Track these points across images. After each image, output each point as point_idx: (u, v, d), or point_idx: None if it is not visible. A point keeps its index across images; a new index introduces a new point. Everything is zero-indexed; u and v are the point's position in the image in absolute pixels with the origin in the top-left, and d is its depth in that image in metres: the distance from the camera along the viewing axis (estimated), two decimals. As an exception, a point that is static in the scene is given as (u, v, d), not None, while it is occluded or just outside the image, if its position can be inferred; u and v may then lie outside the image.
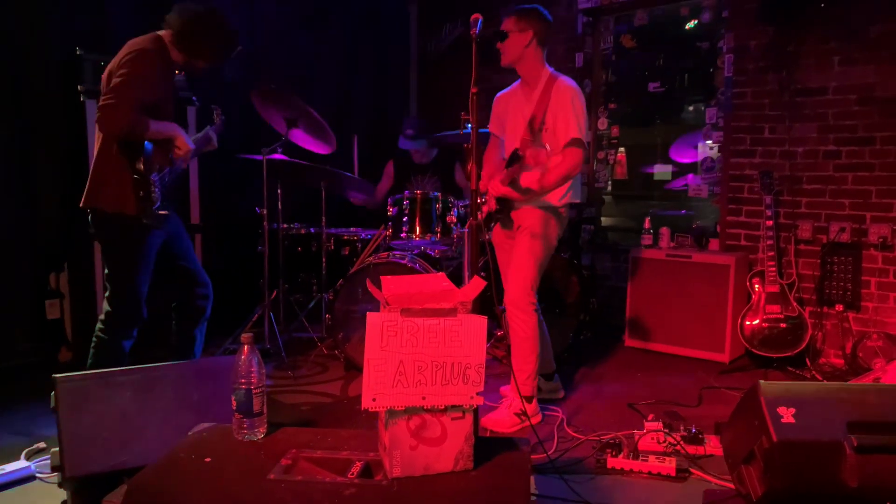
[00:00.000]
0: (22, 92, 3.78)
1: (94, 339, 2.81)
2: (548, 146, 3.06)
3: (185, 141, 2.85)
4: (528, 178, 3.07)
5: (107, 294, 2.81)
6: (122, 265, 2.79)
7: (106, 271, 2.82)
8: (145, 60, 2.67)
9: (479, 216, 3.12)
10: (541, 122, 3.07)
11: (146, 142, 2.72)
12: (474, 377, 1.73)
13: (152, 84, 2.69)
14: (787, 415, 2.09)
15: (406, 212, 3.91)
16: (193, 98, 4.17)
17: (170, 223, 2.88)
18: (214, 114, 3.35)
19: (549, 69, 3.15)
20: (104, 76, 2.73)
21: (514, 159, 3.04)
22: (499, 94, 3.34)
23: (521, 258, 3.11)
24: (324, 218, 4.27)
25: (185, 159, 2.92)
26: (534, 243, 3.09)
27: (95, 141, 2.78)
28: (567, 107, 3.04)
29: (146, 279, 2.82)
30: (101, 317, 2.81)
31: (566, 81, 3.11)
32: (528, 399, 3.09)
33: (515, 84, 3.28)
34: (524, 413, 2.98)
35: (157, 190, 2.77)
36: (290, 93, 3.84)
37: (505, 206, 3.13)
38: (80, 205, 2.77)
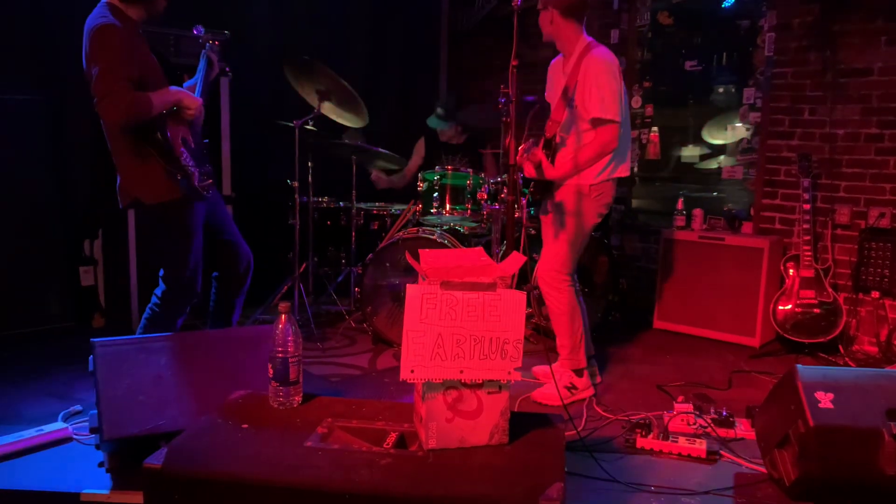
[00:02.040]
0: (55, 59, 3.81)
1: (147, 310, 2.81)
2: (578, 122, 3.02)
3: (190, 99, 2.71)
4: (562, 156, 3.04)
5: (161, 274, 2.79)
6: (173, 248, 2.76)
7: (157, 253, 2.80)
8: (112, 37, 2.49)
9: (525, 198, 3.15)
10: (571, 95, 3.01)
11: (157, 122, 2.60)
12: (512, 352, 1.73)
13: (129, 56, 2.54)
14: (825, 400, 2.06)
15: (436, 187, 3.89)
16: (227, 69, 4.17)
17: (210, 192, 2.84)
18: (201, 38, 3.00)
19: (588, 39, 3.04)
20: (84, 66, 2.58)
21: (547, 143, 3.02)
22: (553, 60, 3.26)
23: (552, 236, 3.11)
24: (354, 192, 4.27)
25: (200, 112, 2.76)
26: (566, 221, 3.06)
27: (106, 134, 2.67)
28: (590, 82, 2.91)
29: (199, 255, 2.79)
30: (157, 292, 2.80)
31: (597, 54, 2.95)
32: (578, 373, 3.13)
33: (559, 57, 3.22)
34: (573, 386, 3.08)
35: (190, 163, 2.69)
36: (322, 64, 3.82)
37: (542, 187, 3.09)
38: (120, 206, 2.73)
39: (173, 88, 2.70)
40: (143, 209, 2.72)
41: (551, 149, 3.01)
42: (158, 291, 2.80)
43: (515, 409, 2.80)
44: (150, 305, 2.81)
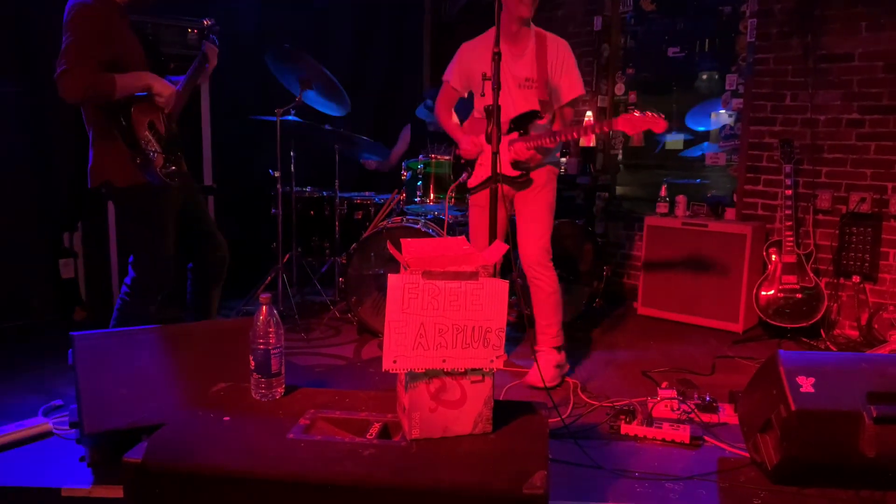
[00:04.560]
0: (33, 50, 3.74)
1: (118, 300, 2.76)
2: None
3: (162, 85, 2.63)
4: (541, 139, 3.01)
5: (131, 260, 2.73)
6: (144, 234, 2.71)
7: (128, 239, 2.76)
8: (86, 15, 2.45)
9: (469, 182, 3.16)
10: (540, 80, 3.03)
11: (123, 101, 2.54)
12: (495, 341, 1.72)
13: (101, 35, 2.48)
14: (807, 384, 2.08)
15: (420, 176, 3.87)
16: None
17: (183, 180, 2.77)
18: (204, 28, 2.98)
19: (532, 25, 3.08)
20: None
21: (527, 120, 3.01)
22: (468, 43, 3.20)
23: (541, 217, 3.13)
24: (337, 181, 4.24)
25: (171, 103, 2.69)
26: (551, 201, 3.14)
27: (83, 116, 2.64)
28: (570, 63, 3.08)
29: (171, 242, 2.74)
30: (127, 280, 2.74)
31: (556, 37, 3.10)
32: (561, 349, 3.21)
33: (488, 36, 3.10)
34: (562, 364, 3.22)
35: (154, 149, 2.63)
36: (304, 53, 3.78)
37: (525, 170, 3.08)
38: (89, 186, 2.66)
39: (147, 74, 2.64)
40: (113, 192, 2.67)
41: (529, 124, 3.04)
42: (128, 280, 2.74)
43: (500, 398, 2.81)
44: (120, 295, 2.75)
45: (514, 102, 3.05)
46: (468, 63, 3.15)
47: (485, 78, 2.48)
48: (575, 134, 2.94)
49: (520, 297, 3.58)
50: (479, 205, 3.18)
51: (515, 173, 3.04)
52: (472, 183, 3.16)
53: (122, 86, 2.51)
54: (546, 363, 3.13)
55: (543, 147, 2.99)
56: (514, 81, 3.05)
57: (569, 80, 3.07)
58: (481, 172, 3.12)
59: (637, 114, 2.69)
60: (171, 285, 2.79)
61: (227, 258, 3.00)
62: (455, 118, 3.29)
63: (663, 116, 2.69)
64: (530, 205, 3.14)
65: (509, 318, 4.07)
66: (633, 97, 5.06)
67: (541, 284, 3.15)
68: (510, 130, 3.04)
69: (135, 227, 2.75)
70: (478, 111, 3.19)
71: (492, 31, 2.97)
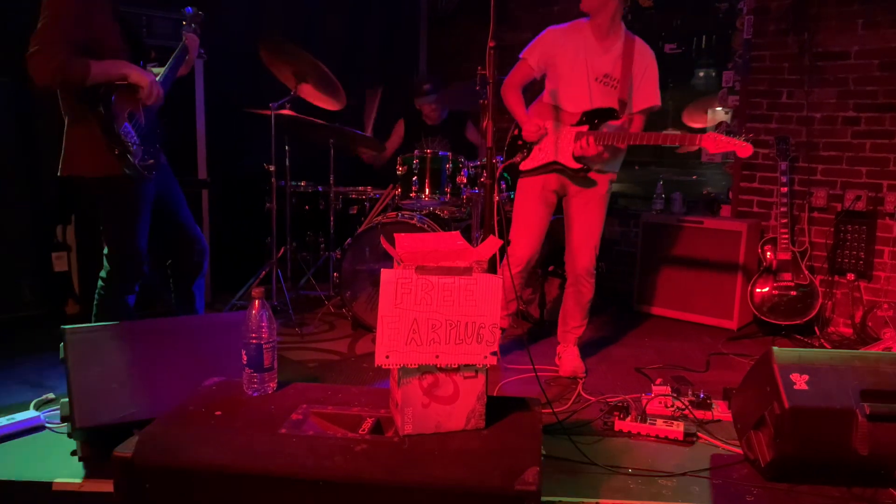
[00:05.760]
0: (19, 42, 3.70)
1: (96, 295, 2.74)
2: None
3: (140, 75, 2.55)
4: (615, 137, 2.97)
5: (105, 252, 2.70)
6: (116, 226, 2.66)
7: (101, 230, 2.69)
8: None
9: (523, 164, 3.12)
10: (624, 80, 3.00)
11: (105, 91, 2.48)
12: (488, 337, 1.72)
13: (79, 18, 2.41)
14: (801, 381, 2.08)
15: (416, 171, 3.86)
16: (202, 51, 4.09)
17: (160, 173, 2.72)
18: (186, 17, 2.92)
19: (623, 24, 3.07)
20: None
21: (603, 117, 3.00)
22: (556, 28, 3.13)
23: (595, 226, 3.16)
24: (332, 176, 4.22)
25: (152, 94, 2.60)
26: (605, 210, 3.17)
27: (60, 105, 2.57)
28: (654, 71, 3.05)
29: (144, 235, 2.69)
30: (102, 274, 2.71)
31: (645, 43, 3.08)
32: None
33: (577, 25, 3.09)
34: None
35: (133, 140, 2.57)
36: (299, 45, 3.76)
37: (586, 166, 3.05)
38: (58, 174, 2.60)
39: (124, 62, 2.56)
40: (83, 182, 2.60)
41: (597, 127, 3.02)
42: (103, 273, 2.70)
43: (494, 394, 2.81)
44: (97, 289, 2.73)
45: (591, 95, 3.03)
46: (552, 46, 3.09)
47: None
48: (654, 139, 2.99)
49: (519, 294, 3.56)
50: (525, 191, 3.18)
51: (576, 166, 3.03)
52: (525, 165, 3.13)
53: (96, 72, 2.43)
54: (573, 356, 3.26)
55: (614, 147, 2.98)
56: (592, 74, 3.03)
57: (648, 88, 3.06)
58: (539, 156, 3.09)
59: (723, 137, 2.80)
60: (144, 276, 2.74)
61: (205, 251, 2.96)
62: (521, 97, 3.17)
63: (751, 143, 2.78)
64: (591, 214, 3.14)
65: (513, 329, 3.99)
66: (629, 93, 5.04)
67: (584, 291, 3.22)
68: (580, 122, 3.02)
69: (107, 219, 2.68)
70: (547, 95, 3.15)
71: (581, 21, 3.08)
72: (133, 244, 2.66)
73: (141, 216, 2.68)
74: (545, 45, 3.10)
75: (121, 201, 2.63)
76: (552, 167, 3.07)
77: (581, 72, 3.03)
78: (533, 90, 3.23)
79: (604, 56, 3.03)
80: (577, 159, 3.02)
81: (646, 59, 3.05)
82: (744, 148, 2.75)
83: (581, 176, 3.06)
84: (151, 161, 2.65)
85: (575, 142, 3.00)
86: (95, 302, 2.74)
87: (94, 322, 2.68)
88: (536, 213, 3.18)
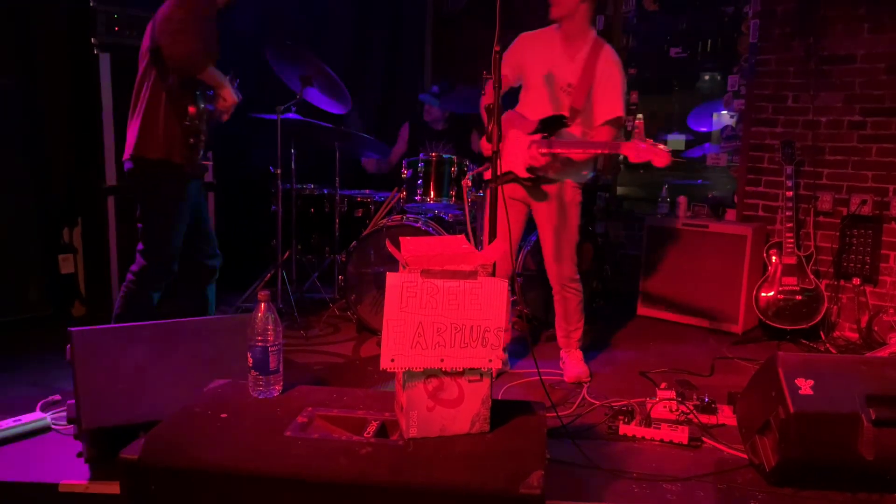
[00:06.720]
0: (28, 43, 3.72)
1: (123, 288, 2.80)
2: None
3: (231, 92, 2.77)
4: (563, 146, 2.90)
5: (140, 248, 2.78)
6: (161, 216, 2.75)
7: (141, 225, 2.77)
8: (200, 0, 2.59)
9: (487, 173, 3.08)
10: (581, 88, 2.94)
11: (200, 90, 2.68)
12: (493, 340, 1.72)
13: (211, 25, 2.62)
14: (805, 386, 2.07)
15: (420, 174, 3.86)
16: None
17: (200, 181, 2.86)
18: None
19: (594, 31, 3.03)
20: (149, 27, 2.67)
21: (553, 125, 2.88)
22: (528, 34, 3.12)
23: (563, 235, 3.12)
24: (337, 179, 4.23)
25: (228, 112, 2.83)
26: (578, 218, 3.15)
27: (142, 92, 2.71)
28: (617, 81, 2.94)
29: (182, 233, 2.79)
30: (134, 268, 2.79)
31: (612, 50, 2.99)
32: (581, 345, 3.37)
33: (549, 30, 3.08)
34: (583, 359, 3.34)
35: (203, 139, 2.73)
36: (305, 49, 3.77)
37: (537, 176, 3.01)
38: (126, 155, 2.72)
39: (223, 76, 2.77)
40: (145, 164, 2.70)
41: (557, 130, 2.92)
42: (135, 268, 2.78)
43: (499, 398, 2.81)
44: (125, 283, 2.79)
45: (555, 104, 2.99)
46: (521, 54, 3.08)
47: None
48: (582, 146, 2.90)
49: (520, 297, 3.57)
50: (490, 200, 3.16)
51: (525, 175, 2.98)
52: (488, 175, 3.12)
53: (210, 72, 2.65)
54: (576, 360, 3.26)
55: (565, 157, 2.90)
56: (558, 83, 2.99)
57: (610, 98, 2.93)
58: (500, 166, 3.08)
59: (643, 145, 2.63)
60: (174, 275, 2.84)
61: (219, 255, 3.06)
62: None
63: (670, 151, 2.62)
64: (557, 223, 3.10)
65: (514, 332, 4.00)
66: (634, 97, 5.04)
67: (570, 297, 3.22)
68: (535, 131, 2.94)
69: (154, 205, 2.78)
70: (519, 103, 3.13)
71: (553, 27, 3.04)
72: (171, 240, 2.77)
73: (182, 213, 2.79)
74: (515, 52, 3.10)
75: (171, 191, 2.74)
76: (508, 176, 3.01)
77: (546, 80, 3.00)
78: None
79: (569, 63, 2.99)
80: (529, 169, 2.96)
81: (610, 67, 2.94)
82: (660, 157, 2.58)
83: (531, 186, 3.03)
84: (208, 163, 2.82)
85: (528, 150, 2.92)
86: (122, 294, 2.80)
87: (117, 316, 2.76)
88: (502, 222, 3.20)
